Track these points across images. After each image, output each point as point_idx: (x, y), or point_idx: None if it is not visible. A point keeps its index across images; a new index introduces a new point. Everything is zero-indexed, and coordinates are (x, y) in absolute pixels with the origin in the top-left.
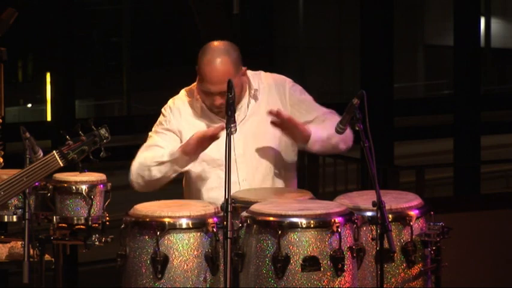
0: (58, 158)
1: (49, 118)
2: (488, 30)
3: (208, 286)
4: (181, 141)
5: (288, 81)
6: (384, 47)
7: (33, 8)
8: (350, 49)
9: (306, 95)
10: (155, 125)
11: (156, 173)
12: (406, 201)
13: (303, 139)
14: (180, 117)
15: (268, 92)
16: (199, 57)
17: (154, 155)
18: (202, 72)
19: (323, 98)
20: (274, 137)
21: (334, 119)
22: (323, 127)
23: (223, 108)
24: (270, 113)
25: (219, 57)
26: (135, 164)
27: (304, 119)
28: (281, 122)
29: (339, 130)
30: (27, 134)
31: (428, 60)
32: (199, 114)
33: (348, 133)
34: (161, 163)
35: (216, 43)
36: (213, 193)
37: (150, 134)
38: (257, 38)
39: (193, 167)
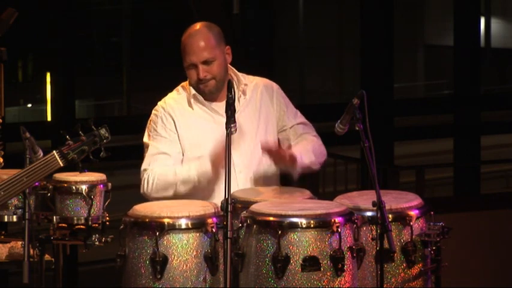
0: (58, 158)
1: (49, 118)
2: (488, 30)
3: (207, 286)
4: (179, 138)
5: (274, 84)
6: (384, 47)
7: (33, 8)
8: (350, 49)
9: (289, 100)
10: (149, 130)
11: (181, 189)
12: (406, 201)
13: (290, 164)
14: (174, 113)
15: (257, 89)
16: (181, 40)
17: (176, 171)
18: (184, 46)
19: (323, 98)
20: (264, 131)
21: (313, 139)
22: (306, 152)
23: (208, 81)
24: (262, 145)
25: (198, 29)
26: (154, 180)
27: (285, 123)
28: (270, 152)
29: (339, 130)
30: (27, 134)
31: (428, 60)
32: (191, 104)
33: (323, 152)
34: (188, 181)
35: (196, 23)
36: (217, 187)
37: (146, 141)
38: (257, 38)
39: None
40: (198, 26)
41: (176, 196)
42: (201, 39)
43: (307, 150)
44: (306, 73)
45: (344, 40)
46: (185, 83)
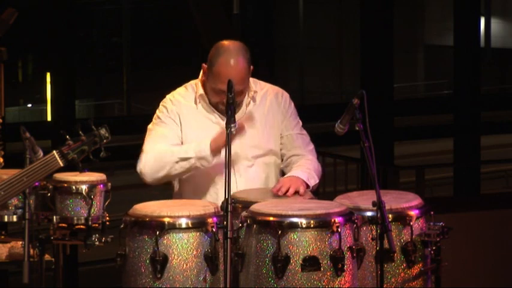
0: (58, 158)
1: (49, 118)
2: (488, 30)
3: (207, 286)
4: (181, 131)
5: (285, 92)
6: (383, 47)
7: (33, 8)
8: (350, 49)
9: (295, 110)
10: (154, 119)
11: (178, 168)
12: (406, 201)
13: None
14: (180, 108)
15: (268, 97)
16: (212, 57)
17: (173, 150)
18: (217, 72)
19: (323, 98)
20: (268, 137)
21: (312, 158)
22: (310, 174)
23: None
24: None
25: (234, 58)
26: (151, 158)
27: (284, 129)
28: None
29: (339, 130)
30: (27, 134)
31: (428, 60)
32: (197, 102)
33: (320, 171)
34: (185, 159)
35: (229, 43)
36: (214, 188)
37: (150, 127)
38: (257, 38)
39: None
40: (232, 52)
41: (177, 195)
42: (238, 73)
43: (310, 171)
44: (306, 73)
45: (344, 40)
46: (194, 82)
